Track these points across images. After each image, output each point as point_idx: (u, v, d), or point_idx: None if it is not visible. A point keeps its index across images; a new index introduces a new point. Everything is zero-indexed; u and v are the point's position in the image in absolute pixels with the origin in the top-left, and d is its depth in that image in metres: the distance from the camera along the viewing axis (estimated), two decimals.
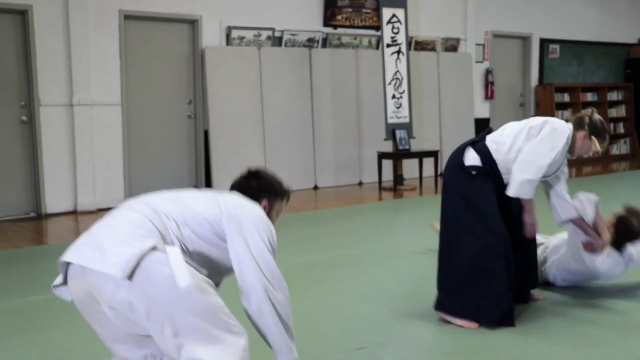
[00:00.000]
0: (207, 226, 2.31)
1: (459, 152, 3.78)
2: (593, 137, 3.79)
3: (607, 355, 3.15)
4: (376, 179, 9.19)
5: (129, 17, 7.93)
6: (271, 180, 2.68)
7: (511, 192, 3.64)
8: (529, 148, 3.66)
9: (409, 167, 9.70)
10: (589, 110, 3.88)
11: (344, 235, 6.10)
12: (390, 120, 8.87)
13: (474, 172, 3.68)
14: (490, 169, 3.69)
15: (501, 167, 3.70)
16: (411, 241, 5.73)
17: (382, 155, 9.01)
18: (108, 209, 7.59)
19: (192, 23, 8.41)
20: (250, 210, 2.42)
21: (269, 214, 2.57)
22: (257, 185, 2.63)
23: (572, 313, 3.75)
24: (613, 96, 12.79)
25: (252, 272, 2.30)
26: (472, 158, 3.72)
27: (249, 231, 2.34)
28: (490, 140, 3.77)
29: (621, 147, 12.90)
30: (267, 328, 2.32)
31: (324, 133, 9.31)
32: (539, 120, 3.77)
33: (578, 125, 3.81)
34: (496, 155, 3.70)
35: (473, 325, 3.56)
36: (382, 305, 3.94)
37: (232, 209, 2.37)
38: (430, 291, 4.19)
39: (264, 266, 2.33)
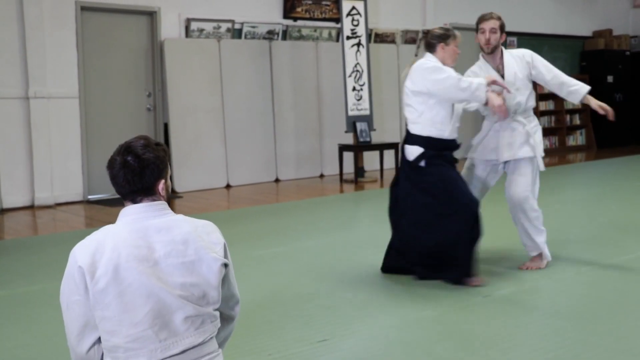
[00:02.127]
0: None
1: (403, 154, 4.26)
2: (445, 44, 4.28)
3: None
4: (337, 172, 9.22)
5: (85, 9, 7.80)
6: (156, 151, 2.06)
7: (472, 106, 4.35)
8: (436, 92, 4.15)
9: (370, 160, 9.75)
10: (426, 34, 4.33)
11: (305, 228, 6.10)
12: (350, 113, 8.90)
13: (421, 164, 4.13)
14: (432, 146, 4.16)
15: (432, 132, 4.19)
16: (372, 233, 5.76)
17: (343, 148, 9.03)
18: (66, 204, 7.53)
19: (151, 15, 8.31)
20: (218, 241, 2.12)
21: (166, 184, 2.11)
22: (153, 169, 2.04)
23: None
24: None
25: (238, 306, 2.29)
26: (411, 152, 4.16)
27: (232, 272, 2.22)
28: (409, 124, 4.24)
29: (577, 139, 13.15)
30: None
31: (285, 126, 9.30)
32: (407, 82, 4.24)
33: (430, 48, 4.29)
34: (421, 131, 4.16)
35: None
36: (343, 297, 3.95)
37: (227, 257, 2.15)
38: (391, 282, 4.23)
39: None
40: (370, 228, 6.12)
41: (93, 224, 6.48)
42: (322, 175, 9.67)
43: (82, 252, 1.95)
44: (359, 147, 8.91)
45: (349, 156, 9.25)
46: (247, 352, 3.13)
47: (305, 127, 9.49)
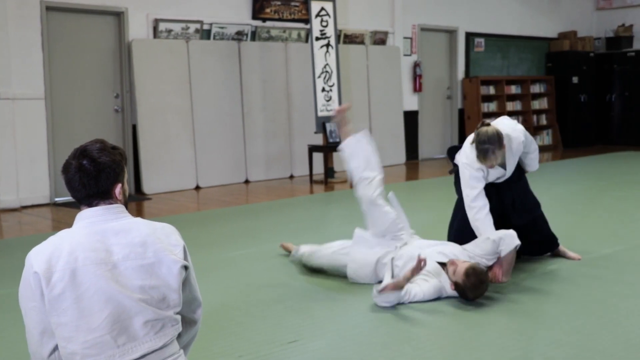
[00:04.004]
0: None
1: None
2: None
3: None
4: (307, 172, 9.22)
5: (51, 9, 7.70)
6: (112, 155, 2.05)
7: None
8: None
9: (340, 160, 9.74)
10: None
11: (275, 229, 6.10)
12: (320, 114, 8.91)
13: None
14: None
15: None
16: (342, 234, 5.77)
17: (312, 149, 9.04)
18: (32, 207, 7.43)
19: (118, 15, 8.23)
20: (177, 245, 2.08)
21: (123, 189, 2.09)
22: (109, 172, 2.02)
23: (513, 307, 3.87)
24: (535, 89, 13.18)
25: (200, 308, 2.24)
26: None
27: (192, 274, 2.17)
28: None
29: (544, 139, 13.32)
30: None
31: (255, 127, 9.27)
32: None
33: None
34: None
35: None
36: (314, 298, 3.96)
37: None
38: (361, 283, 4.24)
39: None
40: (340, 228, 6.13)
41: (60, 227, 6.40)
42: (292, 176, 9.67)
43: (37, 257, 1.92)
44: (329, 148, 8.93)
45: (318, 157, 9.25)
46: (217, 354, 3.12)
47: (275, 128, 9.48)
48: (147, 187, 8.25)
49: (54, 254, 1.91)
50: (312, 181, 9.03)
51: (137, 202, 7.61)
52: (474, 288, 3.71)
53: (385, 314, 3.65)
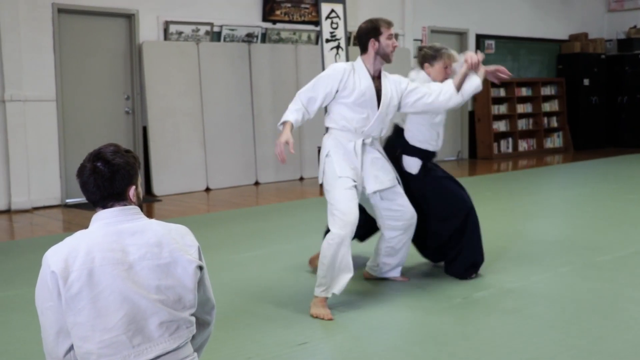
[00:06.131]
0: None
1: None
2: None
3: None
4: (317, 175, 9.20)
5: (62, 11, 7.74)
6: (125, 157, 2.06)
7: None
8: None
9: None
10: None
11: (285, 231, 6.10)
12: None
13: None
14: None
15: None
16: None
17: None
18: (44, 208, 7.46)
19: (129, 17, 8.27)
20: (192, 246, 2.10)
21: (137, 191, 2.11)
22: (123, 174, 2.04)
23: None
24: (546, 91, 13.13)
25: (214, 310, 2.26)
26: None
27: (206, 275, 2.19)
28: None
29: (555, 141, 13.27)
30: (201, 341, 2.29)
31: (265, 128, 9.29)
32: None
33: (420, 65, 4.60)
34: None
35: None
36: None
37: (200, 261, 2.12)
38: (369, 285, 4.24)
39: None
40: None
41: (71, 228, 6.43)
42: (301, 178, 9.67)
43: (54, 257, 1.93)
44: None
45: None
46: (226, 356, 3.12)
47: None
48: (157, 188, 8.28)
49: (70, 254, 1.93)
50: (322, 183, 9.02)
51: (147, 204, 7.64)
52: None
53: (393, 317, 3.65)
